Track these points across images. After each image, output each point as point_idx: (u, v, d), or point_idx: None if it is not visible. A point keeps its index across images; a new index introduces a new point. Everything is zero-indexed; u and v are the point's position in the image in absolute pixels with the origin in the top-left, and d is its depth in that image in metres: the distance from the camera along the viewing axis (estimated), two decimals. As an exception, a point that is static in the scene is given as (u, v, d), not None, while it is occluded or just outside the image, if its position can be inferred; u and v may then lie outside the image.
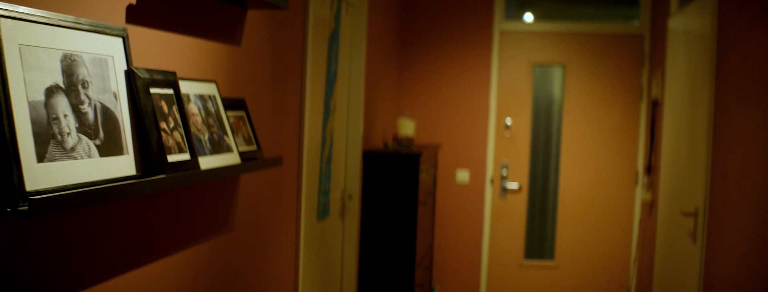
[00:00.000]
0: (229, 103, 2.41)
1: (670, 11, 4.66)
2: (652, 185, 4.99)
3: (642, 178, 5.43)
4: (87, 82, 1.59)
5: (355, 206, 4.28)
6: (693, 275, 3.49)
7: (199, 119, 2.13)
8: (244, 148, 2.45)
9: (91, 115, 1.58)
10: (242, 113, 2.51)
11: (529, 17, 6.11)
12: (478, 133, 5.75)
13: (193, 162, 1.96)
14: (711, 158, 3.40)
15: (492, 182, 5.78)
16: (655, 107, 5.02)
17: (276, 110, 2.90)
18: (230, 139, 2.30)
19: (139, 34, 1.89)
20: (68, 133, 1.49)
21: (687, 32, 4.06)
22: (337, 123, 4.00)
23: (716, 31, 3.38)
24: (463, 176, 5.76)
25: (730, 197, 3.08)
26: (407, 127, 4.99)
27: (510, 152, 5.83)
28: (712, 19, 3.39)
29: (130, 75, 1.75)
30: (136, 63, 1.86)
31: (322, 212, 3.74)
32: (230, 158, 2.26)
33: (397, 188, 4.46)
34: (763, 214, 2.64)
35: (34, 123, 1.40)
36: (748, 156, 2.88)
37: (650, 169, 5.11)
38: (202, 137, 2.12)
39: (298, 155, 3.21)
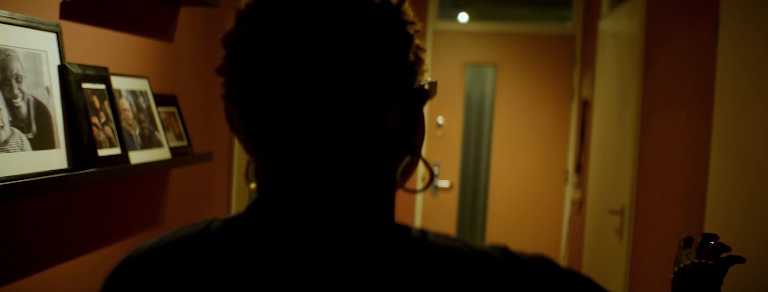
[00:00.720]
0: (161, 99, 2.46)
1: (600, 13, 4.80)
2: (581, 184, 5.14)
3: (572, 177, 5.58)
4: (20, 76, 1.63)
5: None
6: (619, 272, 3.62)
7: (130, 114, 2.18)
8: (174, 143, 2.50)
9: (24, 110, 1.62)
10: (174, 109, 2.56)
11: (463, 17, 6.23)
12: (411, 132, 5.84)
13: (124, 156, 2.01)
14: (637, 156, 3.53)
15: (424, 180, 5.89)
16: (585, 107, 5.17)
17: (207, 106, 2.95)
18: (161, 135, 2.34)
19: (73, 29, 1.93)
20: (1, 127, 1.53)
21: (616, 34, 4.18)
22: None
23: (644, 33, 3.50)
24: (394, 173, 5.85)
25: (654, 195, 3.22)
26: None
27: (442, 150, 5.94)
28: (641, 22, 3.52)
29: (62, 70, 1.80)
30: (70, 58, 1.90)
31: (253, 207, 3.80)
32: (161, 153, 2.31)
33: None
34: (686, 211, 2.77)
35: (-34, 116, 1.44)
36: (673, 155, 3.01)
37: (580, 168, 5.26)
38: (133, 132, 2.17)
39: (229, 150, 3.26)
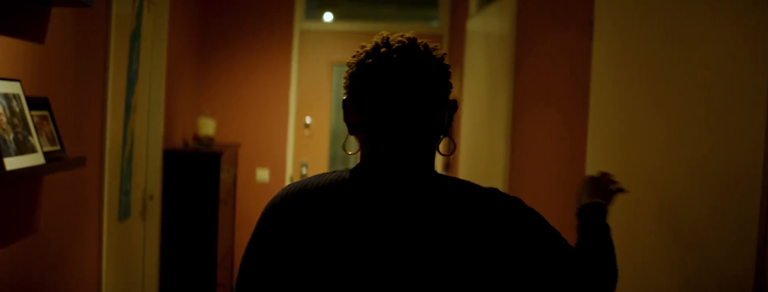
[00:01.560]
0: (33, 103, 2.34)
1: (469, 13, 4.91)
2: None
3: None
4: None
5: (155, 206, 4.22)
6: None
7: (3, 119, 2.06)
8: (47, 148, 2.38)
9: None
10: (46, 113, 2.44)
11: (328, 17, 6.25)
12: (278, 132, 5.81)
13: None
14: (510, 154, 3.63)
15: (292, 180, 5.86)
16: (453, 106, 5.28)
17: (79, 109, 2.83)
18: (34, 139, 2.23)
19: (-59, 30, 1.81)
20: None
21: (486, 33, 4.27)
22: (138, 122, 3.93)
23: (515, 32, 3.60)
24: (263, 174, 5.80)
25: (526, 192, 3.33)
26: (208, 127, 4.98)
27: (310, 150, 5.93)
28: (511, 21, 3.62)
29: (-67, 73, 1.68)
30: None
31: (124, 212, 3.67)
32: (35, 159, 2.20)
33: (197, 187, 4.44)
34: (560, 210, 2.88)
35: None
36: (545, 153, 3.12)
37: (448, 166, 5.37)
38: (7, 137, 2.05)
39: (101, 154, 3.14)
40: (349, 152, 1.50)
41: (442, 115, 1.43)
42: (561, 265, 1.37)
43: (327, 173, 1.46)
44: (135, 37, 3.72)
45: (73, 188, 2.80)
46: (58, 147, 2.46)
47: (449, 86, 1.46)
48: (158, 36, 4.18)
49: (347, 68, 1.45)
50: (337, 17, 6.26)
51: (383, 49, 1.39)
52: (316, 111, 5.92)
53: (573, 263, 1.39)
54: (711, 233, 1.68)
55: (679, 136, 1.84)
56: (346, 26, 5.97)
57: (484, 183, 1.50)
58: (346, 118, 1.46)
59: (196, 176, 4.42)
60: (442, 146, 1.49)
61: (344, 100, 1.45)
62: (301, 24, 5.84)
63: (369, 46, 1.43)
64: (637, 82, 2.14)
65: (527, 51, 3.43)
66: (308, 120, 5.91)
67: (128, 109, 3.68)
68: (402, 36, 1.42)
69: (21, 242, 2.32)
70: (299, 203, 1.40)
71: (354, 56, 1.44)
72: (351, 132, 1.47)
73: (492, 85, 4.03)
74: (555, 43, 3.05)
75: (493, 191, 1.41)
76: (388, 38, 1.42)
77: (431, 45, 1.44)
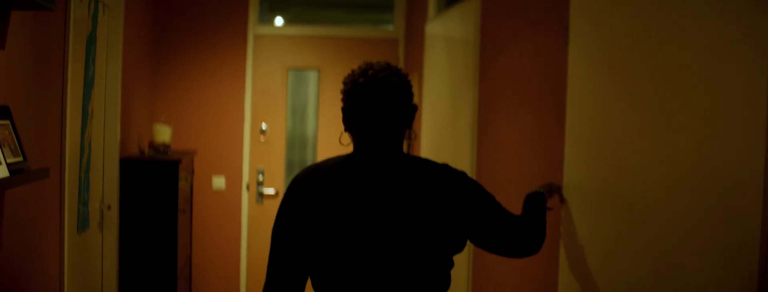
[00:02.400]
0: (-5, 111, 2.23)
1: (427, 16, 4.87)
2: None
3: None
4: None
5: (113, 216, 4.09)
6: (461, 276, 3.65)
7: (-33, 129, 1.95)
8: (11, 159, 2.27)
9: None
10: (7, 122, 2.33)
11: (279, 21, 6.16)
12: (234, 139, 5.70)
13: (-33, 176, 1.79)
14: (477, 158, 3.59)
15: (248, 187, 5.76)
16: (411, 111, 5.24)
17: (39, 117, 2.71)
18: (-2, 151, 2.12)
19: None
20: None
21: (447, 37, 4.24)
22: (94, 130, 3.80)
23: (479, 36, 3.57)
24: (219, 182, 5.68)
25: (495, 195, 3.28)
26: (164, 134, 4.85)
27: (266, 157, 5.83)
28: (475, 25, 3.58)
29: None
30: None
31: (83, 224, 3.54)
32: (-1, 171, 2.09)
33: (155, 196, 4.32)
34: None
35: None
36: (516, 155, 3.08)
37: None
38: (-29, 149, 1.94)
39: (61, 164, 3.02)
40: (344, 144, 2.11)
41: (407, 116, 2.05)
42: (495, 217, 2.09)
43: (331, 158, 2.09)
44: (91, 41, 3.60)
45: (34, 200, 2.68)
46: (20, 158, 2.35)
47: (412, 96, 2.07)
48: (113, 40, 4.06)
49: (342, 86, 2.07)
50: (287, 21, 6.18)
51: (370, 72, 2.00)
52: (273, 117, 5.83)
53: (505, 217, 2.12)
54: (709, 240, 1.65)
55: (667, 140, 1.82)
56: (300, 30, 5.89)
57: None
58: (344, 120, 2.08)
59: (153, 184, 4.30)
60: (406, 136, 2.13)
61: (343, 108, 2.08)
62: (255, 28, 5.74)
63: (358, 70, 2.03)
64: (617, 86, 2.11)
65: (494, 55, 3.40)
66: (264, 126, 5.82)
67: (85, 115, 3.56)
68: (381, 63, 2.04)
69: (-16, 258, 2.21)
70: (315, 178, 2.02)
71: (348, 76, 2.05)
72: (346, 129, 2.08)
73: (455, 90, 3.99)
74: (525, 48, 3.02)
75: (445, 165, 2.11)
76: (373, 64, 2.03)
77: (400, 69, 2.06)
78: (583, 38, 2.35)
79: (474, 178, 3.67)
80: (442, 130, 4.28)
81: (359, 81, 1.98)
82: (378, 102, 1.96)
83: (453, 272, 2.11)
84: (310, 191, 1.98)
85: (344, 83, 2.03)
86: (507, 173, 3.19)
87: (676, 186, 1.78)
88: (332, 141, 5.83)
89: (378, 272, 1.96)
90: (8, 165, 2.19)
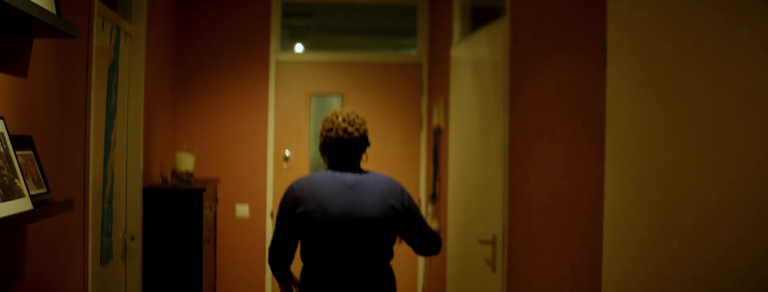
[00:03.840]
0: (17, 142, 2.16)
1: (452, 40, 4.79)
2: (438, 213, 5.07)
3: (426, 206, 5.54)
4: None
5: (136, 247, 4.01)
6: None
7: (-11, 161, 1.88)
8: (34, 191, 2.19)
9: None
10: (30, 152, 2.26)
11: (299, 48, 6.12)
12: (257, 166, 5.63)
13: (-11, 211, 1.72)
14: (508, 184, 3.49)
15: (272, 215, 5.67)
16: (437, 135, 5.14)
17: (62, 147, 2.65)
18: (21, 183, 2.05)
19: None
20: None
21: (474, 60, 4.15)
22: (117, 159, 3.74)
23: (509, 59, 3.48)
24: (243, 210, 5.61)
25: (531, 223, 3.18)
26: (186, 162, 4.78)
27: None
28: (505, 48, 3.49)
29: None
30: None
31: (106, 256, 3.46)
32: (22, 204, 2.01)
33: (179, 225, 4.24)
34: (571, 238, 2.75)
35: None
36: (552, 182, 2.98)
37: (435, 197, 5.21)
38: (-7, 181, 1.87)
39: (84, 195, 2.95)
40: (324, 162, 3.15)
41: (364, 145, 3.09)
42: (421, 221, 3.10)
43: (317, 172, 3.06)
44: (113, 69, 3.55)
45: (57, 231, 2.61)
46: (44, 190, 2.28)
47: (366, 134, 3.11)
48: (135, 68, 4.01)
49: (323, 122, 3.10)
50: (307, 48, 6.14)
51: (342, 117, 3.06)
52: (295, 143, 5.76)
53: (425, 223, 3.13)
54: (764, 266, 1.55)
55: (719, 166, 1.72)
56: (322, 56, 5.84)
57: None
58: (322, 148, 3.12)
59: (177, 214, 4.23)
60: (364, 156, 3.15)
61: (321, 142, 3.11)
62: (277, 55, 5.69)
63: (332, 115, 3.09)
64: (663, 108, 2.02)
65: (525, 77, 3.30)
66: (287, 153, 5.75)
67: (108, 145, 3.49)
68: (349, 111, 3.10)
69: (6, 294, 2.13)
70: (306, 184, 2.98)
71: (327, 122, 3.08)
72: (323, 154, 3.12)
73: (484, 114, 3.90)
74: (558, 69, 2.93)
75: (390, 178, 3.08)
76: (339, 113, 3.08)
77: (360, 116, 3.11)
78: (624, 58, 2.26)
79: (506, 203, 3.62)
80: (470, 154, 4.18)
81: (333, 126, 3.04)
82: (345, 141, 3.04)
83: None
84: (301, 189, 2.97)
85: (323, 125, 3.09)
86: (540, 199, 3.09)
87: (728, 212, 1.68)
88: (356, 167, 5.74)
89: (344, 243, 2.93)
90: (31, 197, 2.11)
